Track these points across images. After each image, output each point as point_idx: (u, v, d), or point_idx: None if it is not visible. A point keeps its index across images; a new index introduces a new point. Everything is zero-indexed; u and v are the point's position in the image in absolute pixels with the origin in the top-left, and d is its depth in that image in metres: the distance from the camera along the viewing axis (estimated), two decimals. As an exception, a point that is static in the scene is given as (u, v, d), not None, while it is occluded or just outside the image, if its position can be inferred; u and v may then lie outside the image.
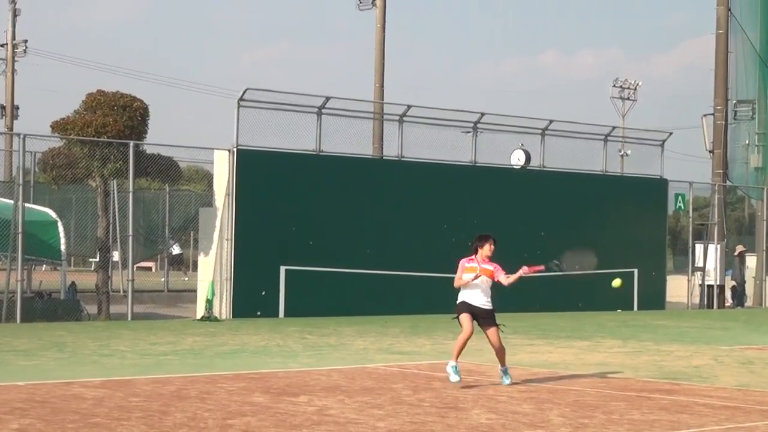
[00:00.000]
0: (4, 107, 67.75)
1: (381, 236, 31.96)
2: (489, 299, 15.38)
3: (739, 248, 42.90)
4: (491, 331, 15.36)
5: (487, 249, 15.48)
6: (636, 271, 37.31)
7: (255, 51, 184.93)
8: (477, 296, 15.31)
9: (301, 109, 31.26)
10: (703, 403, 14.21)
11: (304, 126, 31.42)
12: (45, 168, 28.94)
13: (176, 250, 49.27)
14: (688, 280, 40.19)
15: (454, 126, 34.58)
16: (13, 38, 68.48)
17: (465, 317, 15.25)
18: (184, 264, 53.81)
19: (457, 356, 15.32)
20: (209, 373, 16.54)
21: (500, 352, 15.61)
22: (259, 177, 30.00)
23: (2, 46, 69.40)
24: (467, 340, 15.24)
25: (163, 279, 42.89)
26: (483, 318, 15.35)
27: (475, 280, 15.24)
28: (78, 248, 35.31)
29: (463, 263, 15.50)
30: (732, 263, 42.28)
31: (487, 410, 13.20)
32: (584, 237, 36.12)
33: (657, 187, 38.77)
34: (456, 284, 15.52)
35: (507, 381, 15.64)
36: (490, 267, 15.40)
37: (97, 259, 30.42)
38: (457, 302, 15.45)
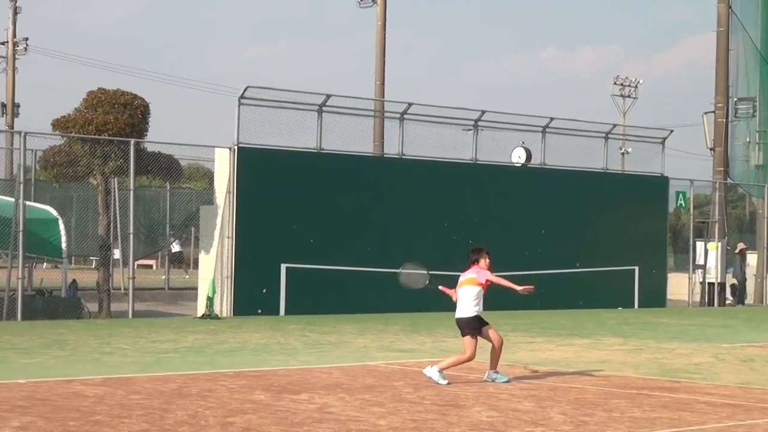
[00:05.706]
0: (5, 105, 67.72)
1: (381, 234, 31.93)
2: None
3: (740, 246, 42.89)
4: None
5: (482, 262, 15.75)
6: (637, 268, 37.35)
7: (255, 48, 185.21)
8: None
9: (301, 106, 31.26)
10: (704, 401, 14.21)
11: (305, 124, 31.42)
12: (46, 166, 28.91)
13: (176, 247, 49.16)
14: (689, 278, 40.19)
15: (454, 124, 34.57)
16: (14, 36, 68.56)
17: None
18: (185, 262, 53.70)
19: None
20: (210, 371, 16.55)
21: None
22: (259, 175, 30.00)
23: (3, 44, 69.48)
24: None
25: (163, 277, 42.87)
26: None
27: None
28: (79, 246, 35.29)
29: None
30: (733, 261, 42.30)
31: (487, 408, 13.21)
32: (585, 235, 36.22)
33: (658, 184, 38.77)
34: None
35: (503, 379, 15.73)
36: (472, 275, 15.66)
37: (98, 257, 30.41)
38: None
